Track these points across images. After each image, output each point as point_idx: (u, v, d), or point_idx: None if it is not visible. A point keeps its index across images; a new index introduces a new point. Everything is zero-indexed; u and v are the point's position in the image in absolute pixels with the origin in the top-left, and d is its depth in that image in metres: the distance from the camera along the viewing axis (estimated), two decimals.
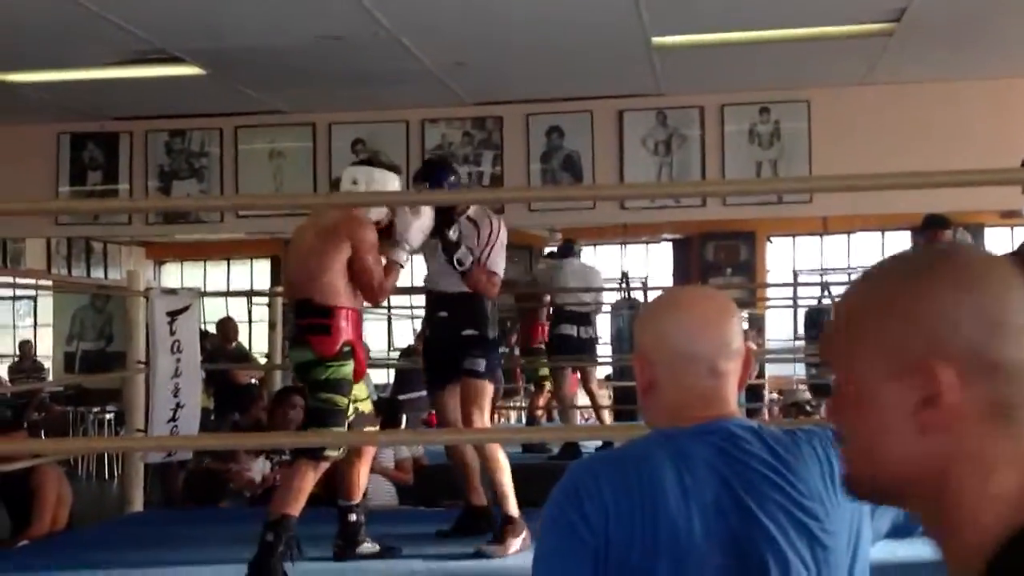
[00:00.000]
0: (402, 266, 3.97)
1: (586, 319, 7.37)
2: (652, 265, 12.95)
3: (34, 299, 13.28)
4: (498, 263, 4.20)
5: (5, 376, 11.90)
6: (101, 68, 5.96)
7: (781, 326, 12.49)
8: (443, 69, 6.21)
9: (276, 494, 3.99)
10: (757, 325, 12.12)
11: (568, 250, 7.73)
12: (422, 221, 3.93)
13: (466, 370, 4.14)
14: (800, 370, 11.18)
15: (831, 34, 5.61)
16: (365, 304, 3.96)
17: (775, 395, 10.59)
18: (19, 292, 12.72)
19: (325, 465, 3.84)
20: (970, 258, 0.89)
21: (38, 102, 6.52)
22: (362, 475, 4.10)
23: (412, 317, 11.63)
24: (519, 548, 3.96)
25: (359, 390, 3.99)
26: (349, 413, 3.91)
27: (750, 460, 1.50)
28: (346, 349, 3.82)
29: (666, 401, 1.58)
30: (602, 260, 13.20)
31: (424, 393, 9.80)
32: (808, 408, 8.31)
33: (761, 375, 11.25)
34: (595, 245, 13.09)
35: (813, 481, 1.49)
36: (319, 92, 6.66)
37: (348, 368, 3.85)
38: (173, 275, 13.84)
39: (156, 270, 13.83)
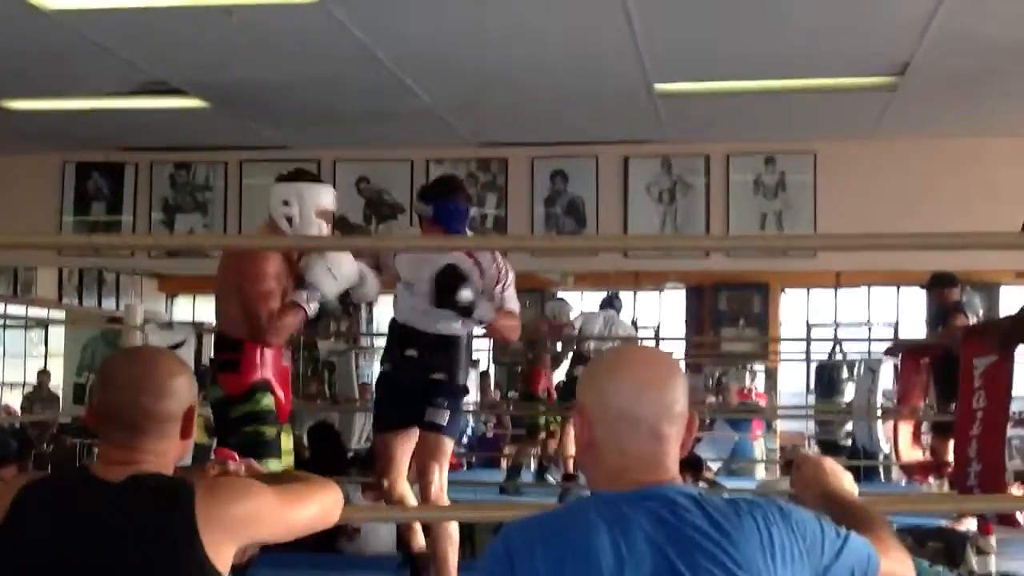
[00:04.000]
0: (305, 310, 3.58)
1: None
2: (663, 313, 12.85)
3: (45, 328, 13.34)
4: (515, 302, 3.95)
5: (17, 406, 11.92)
6: (105, 98, 5.99)
7: (794, 380, 12.36)
8: (447, 109, 6.21)
9: None
10: (770, 379, 12.00)
11: (609, 302, 8.01)
12: (332, 261, 3.59)
13: (428, 422, 3.89)
14: (813, 426, 11.04)
15: (834, 86, 5.58)
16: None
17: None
18: (30, 321, 12.77)
19: None
20: None
21: (43, 131, 6.56)
22: None
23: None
24: None
25: (286, 440, 3.69)
26: (288, 449, 3.64)
27: (689, 530, 1.47)
28: (256, 387, 3.55)
29: (606, 463, 1.56)
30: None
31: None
32: None
33: (772, 430, 11.16)
34: (606, 291, 13.04)
35: (751, 553, 1.46)
36: (324, 129, 6.68)
37: (267, 400, 3.58)
38: (185, 307, 13.86)
39: (168, 302, 13.86)
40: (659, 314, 12.88)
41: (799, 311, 12.72)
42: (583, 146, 6.89)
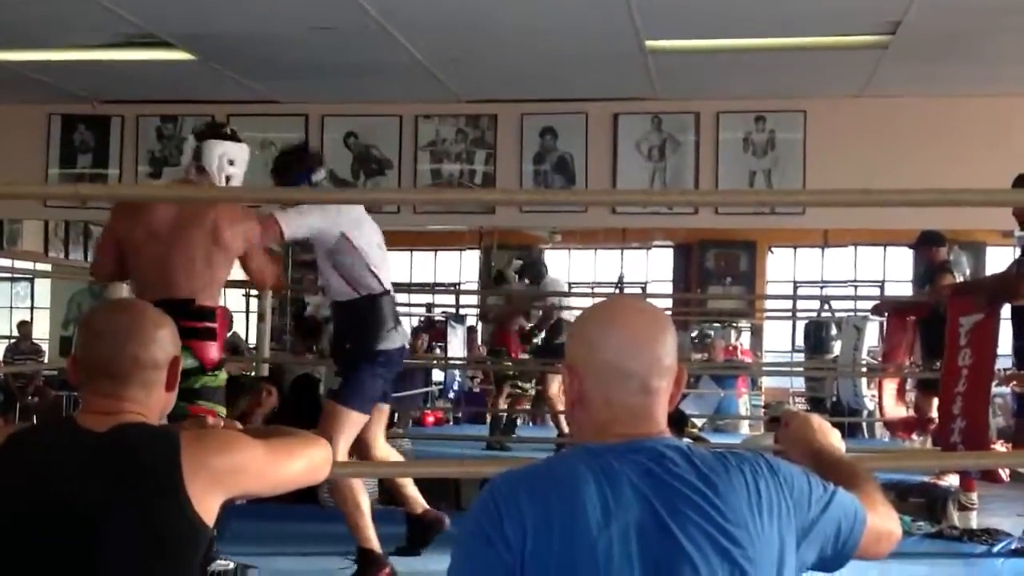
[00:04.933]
0: (279, 252, 3.63)
1: None
2: (651, 271, 12.88)
3: (31, 281, 13.28)
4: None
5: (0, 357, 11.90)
6: (90, 50, 5.92)
7: (779, 338, 12.43)
8: (437, 64, 6.16)
9: None
10: (756, 336, 12.07)
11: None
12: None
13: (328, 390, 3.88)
14: (798, 383, 11.13)
15: (825, 44, 5.56)
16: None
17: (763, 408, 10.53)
18: (16, 274, 12.71)
19: None
20: None
21: (29, 81, 6.49)
22: None
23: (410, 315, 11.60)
24: None
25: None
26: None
27: (676, 482, 1.47)
28: (224, 358, 3.55)
29: (594, 416, 1.55)
30: (600, 264, 13.19)
31: (417, 392, 9.90)
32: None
33: (757, 387, 11.23)
34: (594, 249, 13.07)
35: (739, 506, 1.46)
36: (312, 83, 6.62)
37: (223, 377, 3.57)
38: None
39: None
40: (646, 272, 12.92)
41: (786, 270, 12.77)
42: (573, 103, 6.85)
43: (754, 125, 6.73)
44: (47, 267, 11.87)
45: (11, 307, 13.79)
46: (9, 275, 12.90)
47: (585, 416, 1.57)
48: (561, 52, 5.85)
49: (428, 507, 4.14)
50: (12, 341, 12.33)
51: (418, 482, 6.31)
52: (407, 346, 4.22)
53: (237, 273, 3.87)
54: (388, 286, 3.92)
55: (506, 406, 8.54)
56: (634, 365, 1.53)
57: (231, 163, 3.60)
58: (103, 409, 1.79)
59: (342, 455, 3.72)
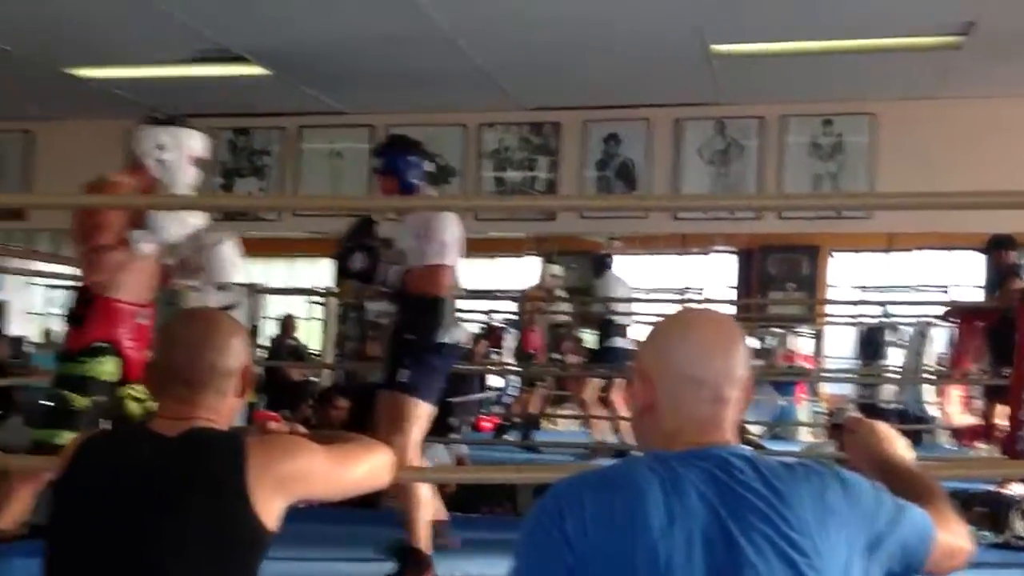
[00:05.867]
0: (137, 250, 3.49)
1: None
2: (711, 277, 12.81)
3: None
4: (440, 257, 3.78)
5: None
6: (167, 66, 6.07)
7: (841, 344, 12.29)
8: (500, 73, 6.22)
9: None
10: (817, 341, 11.96)
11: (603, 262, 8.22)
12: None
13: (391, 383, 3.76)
14: (860, 389, 11.01)
15: (897, 46, 5.50)
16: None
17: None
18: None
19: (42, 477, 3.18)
20: None
21: (106, 97, 6.65)
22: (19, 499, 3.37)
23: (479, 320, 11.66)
24: None
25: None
26: (138, 415, 3.50)
27: (742, 489, 1.46)
28: (96, 347, 3.45)
29: (664, 425, 1.56)
30: (659, 271, 13.14)
31: (476, 396, 10.01)
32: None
33: (818, 394, 11.12)
34: (654, 255, 13.03)
35: (806, 516, 1.44)
36: (378, 94, 6.72)
37: (100, 367, 3.47)
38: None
39: None
40: (706, 278, 12.85)
41: (848, 275, 12.63)
42: (635, 108, 6.87)
43: (821, 129, 6.69)
44: None
45: None
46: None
47: (654, 423, 1.57)
48: (624, 58, 5.87)
49: (424, 549, 3.82)
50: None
51: (474, 487, 6.41)
52: (461, 344, 4.19)
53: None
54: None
55: (537, 410, 8.66)
56: (707, 374, 1.54)
57: (160, 148, 3.60)
58: (176, 415, 1.84)
59: (416, 446, 3.72)
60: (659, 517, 1.42)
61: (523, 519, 1.51)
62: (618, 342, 7.75)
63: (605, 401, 8.09)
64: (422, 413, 3.77)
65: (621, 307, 8.10)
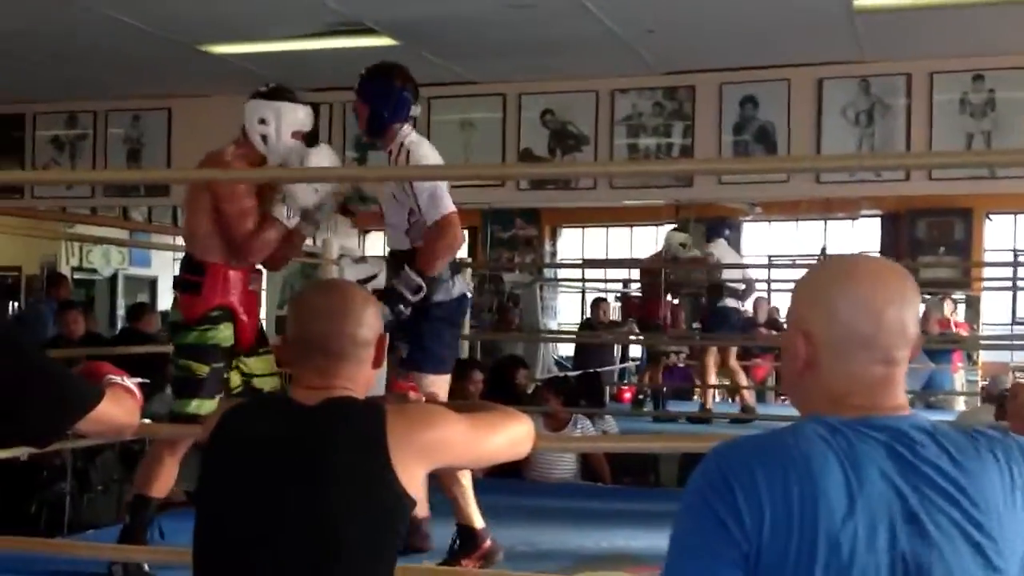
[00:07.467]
0: (286, 224, 3.53)
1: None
2: (854, 243, 12.38)
3: None
4: (436, 209, 3.55)
5: None
6: (297, 40, 6.15)
7: (999, 311, 11.73)
8: (633, 37, 6.08)
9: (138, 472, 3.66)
10: (972, 308, 11.45)
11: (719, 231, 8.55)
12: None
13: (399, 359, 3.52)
14: (1019, 356, 10.48)
15: None
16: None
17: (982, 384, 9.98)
18: None
19: (183, 445, 3.43)
20: None
21: (240, 73, 6.78)
22: (166, 467, 3.49)
23: (606, 291, 11.59)
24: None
25: (257, 364, 3.65)
26: (236, 385, 3.57)
27: (925, 466, 1.32)
28: (215, 314, 3.49)
29: (827, 386, 1.40)
30: (802, 236, 12.79)
31: (612, 368, 10.00)
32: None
33: (974, 362, 10.64)
34: (795, 220, 12.67)
35: (991, 492, 1.32)
36: (509, 62, 6.66)
37: (219, 334, 3.51)
38: (376, 242, 14.29)
39: (360, 238, 14.30)
40: (851, 243, 12.42)
41: (1005, 238, 12.01)
42: (774, 69, 6.62)
43: (971, 85, 6.32)
44: None
45: None
46: None
47: (816, 384, 1.41)
48: (762, 17, 5.66)
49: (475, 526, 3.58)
50: None
51: (616, 458, 6.37)
52: (468, 295, 3.97)
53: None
54: None
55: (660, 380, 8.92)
56: (879, 332, 1.37)
57: (263, 122, 3.60)
58: (316, 385, 1.85)
59: None
60: (840, 500, 1.29)
61: (680, 490, 1.38)
62: (729, 303, 8.17)
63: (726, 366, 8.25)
64: (438, 383, 3.62)
65: (735, 274, 8.39)
